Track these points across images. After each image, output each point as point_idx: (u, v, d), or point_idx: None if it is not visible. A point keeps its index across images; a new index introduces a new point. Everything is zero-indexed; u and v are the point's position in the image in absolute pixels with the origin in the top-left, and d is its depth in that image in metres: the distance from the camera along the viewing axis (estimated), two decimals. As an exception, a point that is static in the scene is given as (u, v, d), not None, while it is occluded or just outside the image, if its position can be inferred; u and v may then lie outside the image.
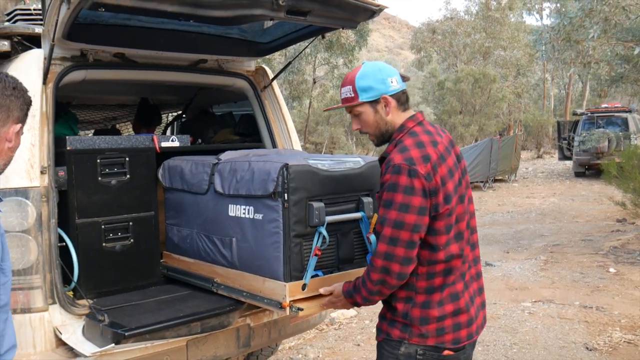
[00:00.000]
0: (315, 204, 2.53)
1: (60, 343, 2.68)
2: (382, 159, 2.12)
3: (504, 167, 20.35)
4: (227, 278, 2.84)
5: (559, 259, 7.78)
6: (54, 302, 2.72)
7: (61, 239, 2.87)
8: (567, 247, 8.56)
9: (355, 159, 2.78)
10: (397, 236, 1.94)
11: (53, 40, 2.66)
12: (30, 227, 2.66)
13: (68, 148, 2.92)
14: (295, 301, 2.48)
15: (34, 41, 3.00)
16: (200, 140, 4.28)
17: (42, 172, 2.74)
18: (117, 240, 3.06)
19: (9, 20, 3.08)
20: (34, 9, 3.09)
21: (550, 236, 9.71)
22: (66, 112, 3.90)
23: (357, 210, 2.70)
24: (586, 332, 4.89)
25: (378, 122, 2.14)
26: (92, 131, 5.72)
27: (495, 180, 20.37)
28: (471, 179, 19.15)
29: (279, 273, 2.54)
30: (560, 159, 22.57)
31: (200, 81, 3.70)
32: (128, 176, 3.12)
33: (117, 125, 6.07)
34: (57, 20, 2.57)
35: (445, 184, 1.99)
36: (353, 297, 2.14)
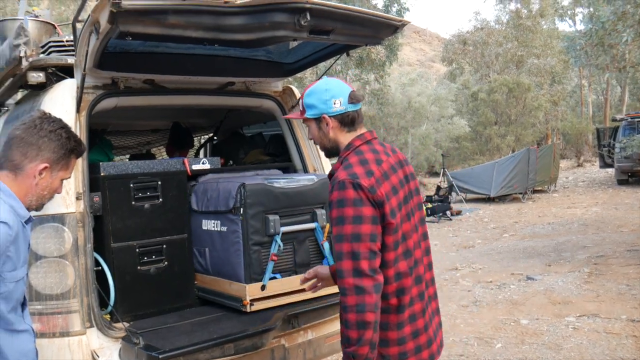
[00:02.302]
0: (271, 217, 3.00)
1: (99, 366, 2.73)
2: (331, 175, 2.18)
3: (543, 178, 19.94)
4: (204, 282, 3.29)
5: (603, 270, 7.55)
6: (91, 326, 2.77)
7: (97, 263, 2.94)
8: (611, 259, 8.29)
9: (309, 176, 3.29)
10: (357, 250, 1.94)
11: (84, 70, 2.75)
12: (67, 252, 2.72)
13: (102, 174, 3.00)
14: (254, 300, 2.94)
15: (67, 71, 3.10)
16: (231, 162, 4.34)
17: (77, 198, 2.81)
18: (152, 263, 3.11)
19: (43, 52, 3.19)
20: (67, 41, 3.19)
21: (593, 247, 9.43)
22: (101, 138, 4.01)
23: (312, 221, 3.18)
24: (635, 348, 4.72)
25: (322, 137, 2.24)
26: (128, 156, 5.85)
27: (535, 192, 19.96)
28: (509, 191, 18.82)
29: (240, 276, 2.99)
30: (601, 166, 22.02)
31: (229, 103, 3.76)
32: (161, 199, 3.17)
33: (152, 150, 6.20)
34: (87, 50, 2.66)
35: (389, 200, 2.03)
36: (350, 352, 1.97)
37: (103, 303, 2.92)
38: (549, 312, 6.05)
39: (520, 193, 18.81)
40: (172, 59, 3.24)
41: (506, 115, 29.23)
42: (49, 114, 2.03)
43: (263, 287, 2.96)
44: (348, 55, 3.40)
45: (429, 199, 17.44)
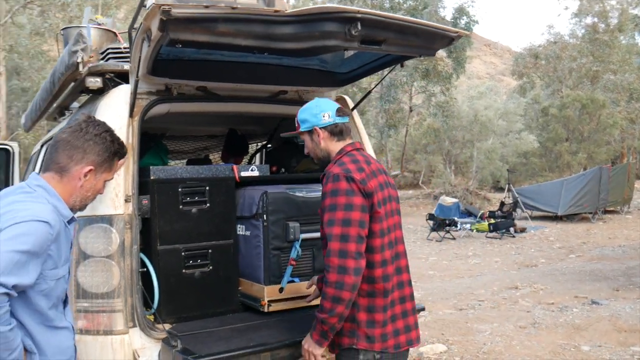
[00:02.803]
0: (291, 224, 3.16)
1: (139, 366, 2.77)
2: (324, 176, 2.45)
3: (615, 198, 19.05)
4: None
5: (676, 298, 7.09)
6: (134, 326, 2.82)
7: (143, 265, 2.99)
8: (686, 286, 7.78)
9: None
10: (347, 233, 2.23)
11: (137, 76, 2.82)
12: (113, 252, 2.79)
13: (152, 177, 3.06)
14: (272, 301, 3.11)
15: (124, 77, 3.20)
16: (283, 170, 4.34)
17: (126, 201, 2.88)
18: (197, 267, 3.14)
19: (102, 59, 3.30)
20: (124, 48, 3.29)
21: (666, 273, 8.88)
22: (157, 143, 4.11)
23: None
24: None
25: (314, 148, 2.58)
26: (186, 161, 5.99)
27: (606, 212, 19.09)
28: (578, 210, 18.06)
29: (260, 278, 3.17)
30: (680, 188, 20.76)
31: (281, 112, 3.76)
32: (208, 204, 3.20)
33: (210, 155, 6.32)
34: (140, 57, 2.72)
35: (377, 193, 2.34)
36: (317, 328, 2.33)
37: (148, 304, 2.97)
38: (613, 339, 5.73)
39: (590, 213, 18.04)
40: (225, 67, 3.28)
41: (578, 132, 28.16)
42: (94, 117, 2.09)
43: (281, 290, 3.14)
44: (402, 66, 3.34)
45: (492, 214, 17.00)
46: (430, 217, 16.32)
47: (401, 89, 24.44)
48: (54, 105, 4.26)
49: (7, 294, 1.68)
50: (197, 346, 2.59)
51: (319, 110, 2.54)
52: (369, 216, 2.30)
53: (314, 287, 2.87)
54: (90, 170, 2.03)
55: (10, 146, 4.75)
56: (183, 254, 3.10)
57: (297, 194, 3.24)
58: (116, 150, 2.11)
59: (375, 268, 2.31)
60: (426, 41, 2.89)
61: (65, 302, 2.10)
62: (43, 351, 1.92)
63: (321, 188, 2.49)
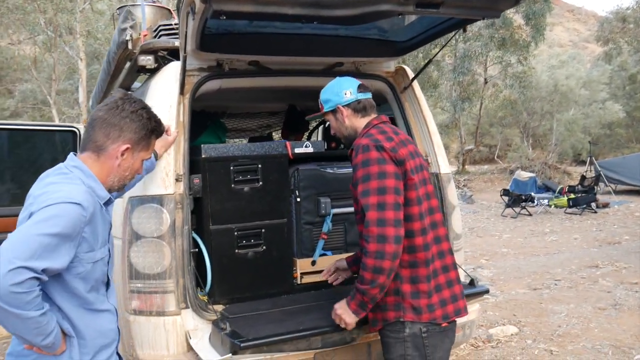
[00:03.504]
0: (323, 199, 3.23)
1: (191, 347, 2.74)
2: (352, 150, 2.41)
3: None
4: None
5: None
6: (186, 307, 2.78)
7: (196, 245, 2.95)
8: None
9: None
10: (383, 201, 2.19)
11: (185, 52, 2.73)
12: (164, 233, 2.75)
13: (203, 156, 2.99)
14: (304, 273, 3.21)
15: (176, 55, 3.13)
16: (342, 146, 4.20)
17: (177, 180, 2.82)
18: (250, 247, 3.07)
19: (155, 36, 3.25)
20: (175, 24, 3.22)
21: None
22: (214, 121, 4.06)
23: None
24: None
25: (340, 127, 2.55)
26: (247, 139, 5.95)
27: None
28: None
29: (294, 252, 3.23)
30: None
31: (337, 85, 3.59)
32: (261, 183, 3.11)
33: (274, 133, 6.26)
34: (187, 31, 2.63)
35: (408, 161, 2.29)
36: (355, 298, 2.30)
37: (201, 285, 2.93)
38: None
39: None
40: (277, 39, 3.14)
41: (670, 100, 26.22)
42: (130, 94, 2.02)
43: (313, 263, 3.21)
44: (465, 31, 3.08)
45: (572, 189, 16.18)
46: (505, 192, 15.71)
47: (475, 60, 23.53)
48: (116, 86, 4.28)
49: (37, 278, 1.64)
50: (245, 329, 2.51)
51: (340, 88, 2.52)
52: (404, 184, 2.26)
53: (334, 274, 2.89)
54: (127, 148, 1.97)
55: (76, 128, 4.85)
56: (236, 233, 3.04)
57: (328, 170, 3.29)
58: (153, 127, 2.03)
59: (415, 237, 2.28)
60: (489, 1, 2.64)
61: (107, 284, 2.06)
62: (82, 334, 1.89)
63: (350, 164, 2.42)
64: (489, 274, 7.94)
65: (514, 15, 22.47)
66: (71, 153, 1.98)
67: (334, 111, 2.53)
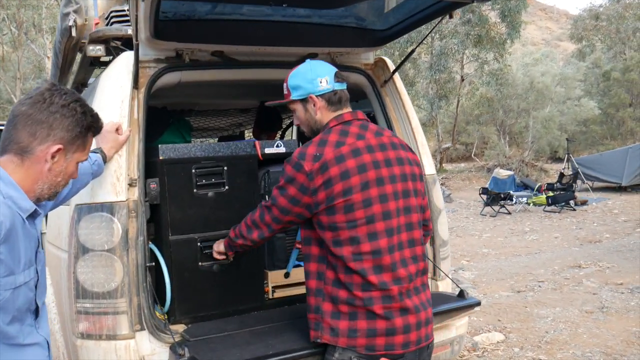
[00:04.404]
0: None
1: (147, 376, 2.41)
2: None
3: (686, 166, 17.71)
4: None
5: None
6: (141, 329, 2.45)
7: (154, 258, 2.62)
8: None
9: None
10: (270, 208, 2.22)
11: (137, 39, 2.40)
12: (115, 245, 2.41)
13: (161, 157, 2.66)
14: (277, 287, 2.92)
15: (131, 44, 2.79)
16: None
17: (130, 185, 2.49)
18: (215, 260, 2.74)
19: (107, 24, 2.90)
20: (128, 9, 2.88)
21: None
22: (178, 119, 3.72)
23: None
24: None
25: (308, 120, 2.24)
26: (217, 139, 5.62)
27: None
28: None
29: (265, 263, 2.93)
30: None
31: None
32: (227, 187, 2.79)
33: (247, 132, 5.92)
34: (137, 16, 2.30)
35: (332, 186, 2.03)
36: (229, 233, 2.48)
37: (162, 302, 2.61)
38: None
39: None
40: (244, 27, 2.84)
41: (644, 97, 26.50)
42: (60, 85, 1.68)
43: (287, 275, 2.93)
44: (451, 17, 2.80)
45: (550, 186, 16.15)
46: (484, 191, 15.59)
47: (452, 57, 23.42)
48: (70, 81, 3.92)
49: None
50: (206, 355, 2.19)
51: (314, 75, 2.19)
52: (334, 205, 2.04)
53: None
54: (59, 149, 1.64)
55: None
56: (199, 244, 2.70)
57: None
58: (89, 123, 1.71)
59: (348, 261, 2.05)
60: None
61: (36, 312, 1.73)
62: None
63: None
64: (471, 276, 7.72)
65: (490, 13, 22.42)
66: None
67: (304, 100, 2.22)
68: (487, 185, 17.01)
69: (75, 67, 3.65)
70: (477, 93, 26.58)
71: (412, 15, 2.89)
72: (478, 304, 2.79)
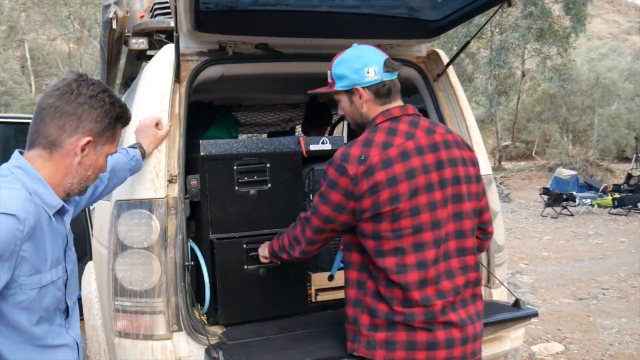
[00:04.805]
0: None
1: (183, 378, 2.34)
2: None
3: None
4: None
5: None
6: (179, 330, 2.38)
7: (195, 258, 2.55)
8: None
9: None
10: (310, 219, 2.06)
11: (177, 31, 2.32)
12: (153, 243, 2.35)
13: (202, 154, 2.58)
14: (320, 290, 2.77)
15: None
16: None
17: (170, 182, 2.42)
18: (262, 263, 2.63)
19: (151, 16, 2.85)
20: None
21: None
22: (224, 114, 3.65)
23: None
24: None
25: (353, 112, 2.06)
26: (265, 135, 5.55)
27: None
28: None
29: (309, 266, 2.78)
30: None
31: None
32: (269, 185, 2.68)
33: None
34: (177, 7, 2.23)
35: (378, 192, 1.85)
36: (273, 242, 2.35)
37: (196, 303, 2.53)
38: None
39: None
40: (290, 19, 2.72)
41: None
42: (87, 76, 1.61)
43: (331, 278, 2.77)
44: (510, 5, 2.60)
45: (617, 188, 15.39)
46: (545, 191, 15.00)
47: (512, 52, 22.69)
48: (118, 77, 3.93)
49: None
50: (241, 359, 2.09)
51: (361, 63, 1.97)
52: (381, 213, 1.86)
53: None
54: (89, 142, 1.58)
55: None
56: (245, 246, 2.59)
57: None
58: (119, 114, 1.64)
59: (409, 271, 1.88)
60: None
61: (67, 311, 1.67)
62: None
63: None
64: (529, 280, 7.39)
65: (553, 5, 21.56)
66: (16, 151, 1.59)
67: (349, 91, 2.03)
68: (548, 185, 16.39)
69: (123, 61, 3.63)
70: (539, 89, 25.69)
71: (468, 4, 2.71)
72: (535, 314, 2.58)
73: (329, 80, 2.09)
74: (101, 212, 2.78)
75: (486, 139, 31.24)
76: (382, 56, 2.00)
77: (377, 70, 1.96)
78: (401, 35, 3.00)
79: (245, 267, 2.55)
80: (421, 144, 1.93)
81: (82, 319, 3.05)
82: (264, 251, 2.45)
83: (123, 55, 3.51)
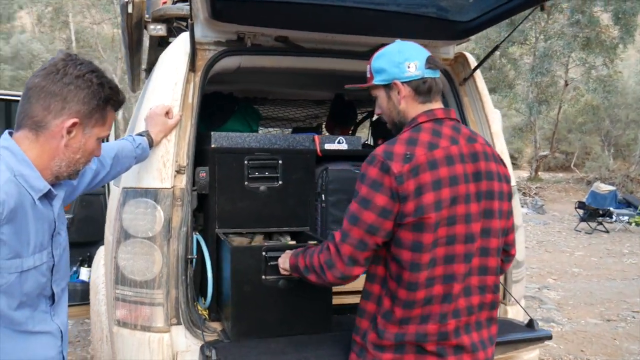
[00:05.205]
0: None
1: (177, 373, 2.29)
2: None
3: None
4: None
5: None
6: (178, 323, 2.34)
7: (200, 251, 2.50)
8: None
9: None
10: (348, 231, 1.77)
11: (191, 19, 2.27)
12: (156, 233, 2.31)
13: (212, 146, 2.53)
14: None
15: (195, 25, 2.68)
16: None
17: (178, 172, 2.38)
18: (278, 271, 2.54)
19: (173, 3, 2.81)
20: (189, -13, 2.76)
21: None
22: (244, 106, 3.60)
23: None
24: None
25: (390, 109, 1.93)
26: (290, 130, 5.49)
27: None
28: None
29: None
30: None
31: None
32: (280, 182, 2.62)
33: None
34: (193, -8, 2.18)
35: (430, 191, 1.70)
36: (298, 258, 2.01)
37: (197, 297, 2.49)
38: None
39: None
40: (312, 12, 2.63)
41: None
42: (75, 55, 1.55)
43: None
44: (543, 9, 2.47)
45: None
46: (581, 205, 14.57)
47: (556, 60, 22.11)
48: (142, 64, 3.92)
49: None
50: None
51: (402, 58, 1.85)
52: (411, 223, 1.70)
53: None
54: (75, 123, 1.52)
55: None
56: (264, 254, 2.46)
57: None
58: (108, 96, 1.57)
59: (417, 290, 1.74)
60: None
61: (53, 297, 1.63)
62: None
63: None
64: (556, 297, 7.15)
65: (602, 14, 20.93)
66: (6, 131, 1.55)
67: (387, 86, 1.89)
68: (584, 199, 15.90)
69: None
70: (582, 100, 24.99)
71: (499, 5, 2.58)
72: (549, 337, 2.45)
73: (368, 75, 1.97)
74: (112, 198, 2.76)
75: (524, 148, 30.61)
76: (425, 53, 1.89)
77: (418, 66, 1.85)
78: (429, 35, 2.88)
79: (264, 277, 2.28)
80: (463, 152, 1.80)
81: (87, 303, 3.04)
82: (284, 262, 2.17)
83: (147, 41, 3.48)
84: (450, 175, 1.74)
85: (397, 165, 1.70)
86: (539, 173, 25.33)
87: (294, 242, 2.63)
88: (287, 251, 2.18)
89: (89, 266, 4.09)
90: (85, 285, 4.04)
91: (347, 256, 1.76)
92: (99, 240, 3.58)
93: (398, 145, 1.76)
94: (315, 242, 2.37)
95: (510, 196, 1.92)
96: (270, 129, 5.68)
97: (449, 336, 1.75)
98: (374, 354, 1.79)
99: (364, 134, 5.61)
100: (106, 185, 4.02)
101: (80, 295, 4.09)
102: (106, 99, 1.57)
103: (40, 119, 1.49)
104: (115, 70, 22.75)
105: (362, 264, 1.78)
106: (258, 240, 2.68)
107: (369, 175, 1.74)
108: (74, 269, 4.29)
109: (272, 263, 2.24)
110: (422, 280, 1.72)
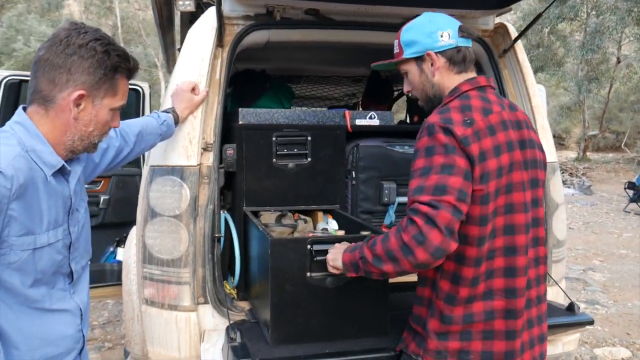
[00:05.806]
0: (386, 184, 2.65)
1: (204, 352, 2.27)
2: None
3: None
4: None
5: None
6: (205, 302, 2.32)
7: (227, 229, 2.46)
8: None
9: None
10: (439, 201, 1.53)
11: (217, -9, 2.21)
12: (182, 212, 2.28)
13: (240, 122, 2.48)
14: None
15: (224, -1, 2.62)
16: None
17: (204, 149, 2.34)
18: (325, 268, 2.48)
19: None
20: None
21: None
22: (277, 84, 3.53)
23: None
24: None
25: (424, 83, 1.82)
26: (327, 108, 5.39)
27: None
28: None
29: None
30: None
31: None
32: (309, 159, 2.55)
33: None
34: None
35: (486, 160, 1.60)
36: (356, 252, 1.73)
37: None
38: None
39: None
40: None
41: None
42: (81, 24, 1.49)
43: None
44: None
45: None
46: (630, 185, 13.99)
47: (608, 36, 21.19)
48: (175, 43, 3.89)
49: None
50: (258, 344, 1.98)
51: (434, 27, 1.76)
52: (488, 189, 1.59)
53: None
54: (82, 95, 1.46)
55: (140, 87, 4.54)
56: (309, 247, 2.36)
57: (397, 148, 2.67)
58: (115, 64, 1.49)
59: (464, 265, 1.63)
60: None
61: (72, 275, 1.60)
62: (11, 341, 1.44)
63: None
64: (602, 278, 6.90)
65: (658, -13, 19.89)
66: (20, 106, 1.52)
67: (419, 59, 1.79)
68: (634, 180, 15.29)
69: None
70: (635, 77, 23.95)
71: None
72: (590, 322, 2.32)
73: (396, 50, 1.86)
74: (143, 177, 2.76)
75: (572, 127, 29.64)
76: (456, 22, 1.80)
77: (451, 35, 1.76)
78: (466, 5, 2.74)
79: (309, 274, 2.00)
80: (511, 118, 1.72)
81: (119, 284, 3.05)
82: (335, 260, 1.87)
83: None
84: (507, 140, 1.67)
85: (460, 128, 1.59)
86: (588, 153, 24.50)
87: (342, 233, 2.53)
88: (337, 245, 1.93)
89: (125, 246, 4.14)
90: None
91: (445, 225, 1.50)
92: (134, 221, 3.61)
93: (453, 112, 1.65)
94: (368, 232, 2.19)
95: (546, 166, 1.87)
96: (305, 108, 5.61)
97: (518, 314, 1.66)
98: (438, 344, 1.68)
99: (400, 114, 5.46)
100: (142, 166, 4.04)
101: (117, 276, 4.14)
102: (114, 67, 1.49)
103: (47, 93, 1.45)
104: (157, 54, 23.03)
105: (456, 238, 1.55)
106: (289, 219, 2.63)
107: (439, 142, 1.58)
108: (111, 249, 4.34)
109: (318, 258, 1.97)
110: (484, 254, 1.63)
